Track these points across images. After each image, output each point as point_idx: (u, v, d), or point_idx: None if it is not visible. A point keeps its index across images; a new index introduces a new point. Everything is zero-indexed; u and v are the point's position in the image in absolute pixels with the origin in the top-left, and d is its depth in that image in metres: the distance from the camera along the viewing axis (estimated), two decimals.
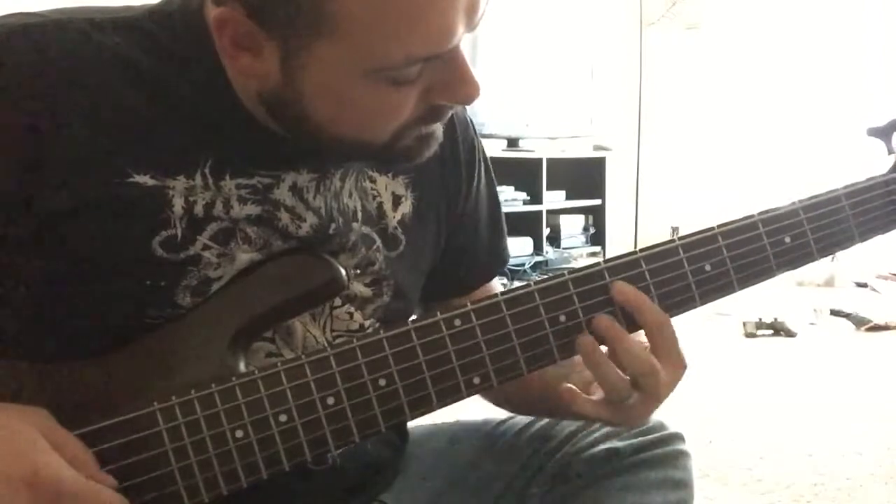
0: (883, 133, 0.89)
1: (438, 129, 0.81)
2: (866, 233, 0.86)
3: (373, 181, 0.90)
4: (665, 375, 0.79)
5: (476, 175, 0.99)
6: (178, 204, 0.78)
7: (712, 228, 0.82)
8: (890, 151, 0.88)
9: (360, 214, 0.88)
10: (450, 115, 0.82)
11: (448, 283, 0.99)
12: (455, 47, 0.73)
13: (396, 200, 0.91)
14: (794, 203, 0.84)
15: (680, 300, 0.81)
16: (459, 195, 0.97)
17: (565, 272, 0.80)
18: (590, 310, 0.79)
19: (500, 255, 1.05)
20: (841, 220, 0.85)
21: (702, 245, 0.81)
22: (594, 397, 0.82)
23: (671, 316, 0.80)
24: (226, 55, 0.76)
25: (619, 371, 0.78)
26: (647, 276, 0.80)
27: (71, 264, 0.76)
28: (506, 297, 0.78)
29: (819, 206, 0.85)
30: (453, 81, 0.75)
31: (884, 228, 0.86)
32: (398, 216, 0.91)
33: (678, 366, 0.80)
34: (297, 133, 0.79)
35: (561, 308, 0.78)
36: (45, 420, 0.70)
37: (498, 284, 1.04)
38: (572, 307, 0.79)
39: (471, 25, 0.73)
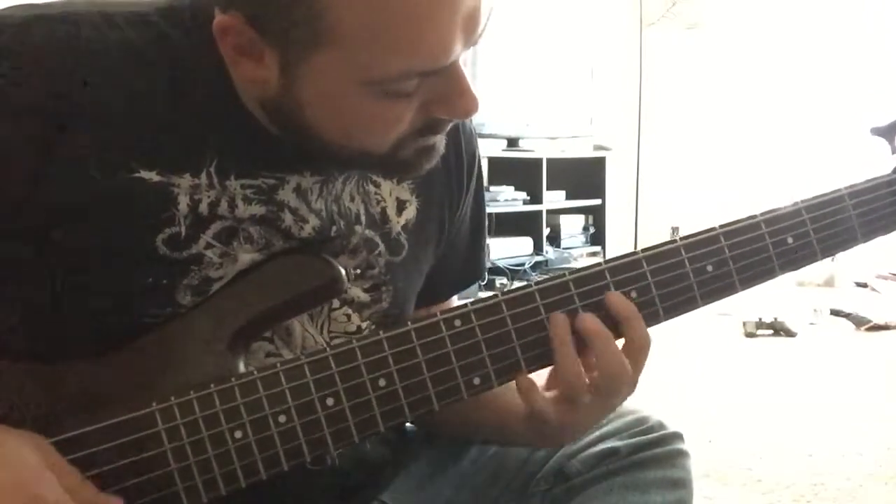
0: (886, 132, 0.88)
1: (440, 141, 0.81)
2: (869, 233, 0.85)
3: (377, 185, 0.89)
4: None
5: (470, 187, 0.99)
6: (184, 202, 0.78)
7: (714, 229, 0.82)
8: (893, 151, 0.87)
9: (363, 218, 0.87)
10: (450, 126, 0.81)
11: (420, 292, 0.95)
12: (454, 62, 0.73)
13: (401, 206, 0.90)
14: (796, 203, 0.84)
15: (681, 300, 0.80)
16: (459, 205, 0.97)
17: (566, 272, 0.79)
18: (590, 310, 0.78)
19: (476, 268, 1.03)
20: (844, 221, 0.84)
21: (704, 245, 0.81)
22: (547, 394, 0.81)
23: (672, 317, 0.80)
24: (229, 60, 0.76)
25: (582, 368, 0.78)
26: (649, 276, 0.80)
27: (74, 260, 0.75)
28: (506, 297, 0.78)
29: (822, 206, 0.84)
30: (451, 95, 0.75)
31: (887, 228, 0.86)
32: (402, 221, 0.90)
33: (633, 386, 0.81)
34: (298, 139, 0.79)
35: (562, 308, 0.78)
36: (43, 445, 0.70)
37: (456, 300, 1.01)
38: (573, 307, 0.78)
39: (470, 42, 0.73)
